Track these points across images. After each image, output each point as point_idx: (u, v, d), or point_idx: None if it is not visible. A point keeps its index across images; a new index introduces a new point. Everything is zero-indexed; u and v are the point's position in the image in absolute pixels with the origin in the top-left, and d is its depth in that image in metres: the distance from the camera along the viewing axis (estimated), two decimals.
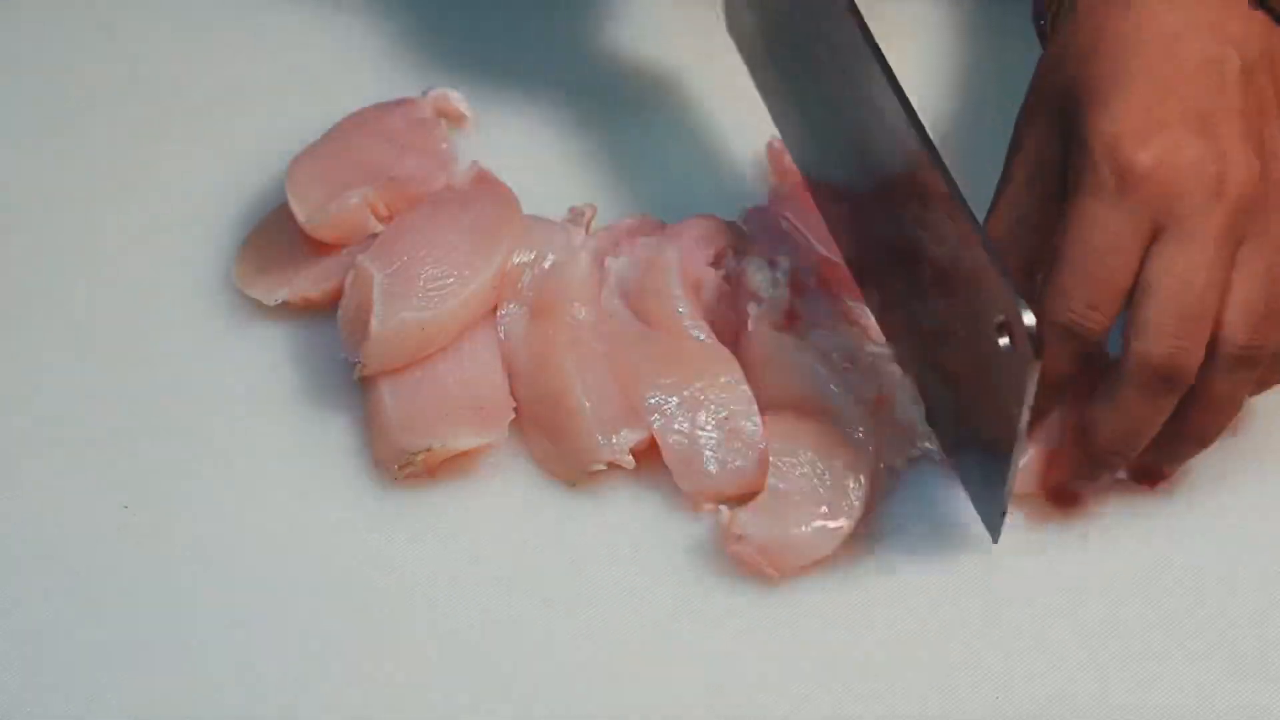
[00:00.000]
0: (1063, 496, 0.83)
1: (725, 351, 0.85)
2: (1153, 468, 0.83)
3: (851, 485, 0.81)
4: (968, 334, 0.77)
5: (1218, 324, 0.77)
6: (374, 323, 0.83)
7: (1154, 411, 0.78)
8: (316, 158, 0.92)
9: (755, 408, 0.83)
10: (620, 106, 1.00)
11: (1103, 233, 0.76)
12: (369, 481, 0.84)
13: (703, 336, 0.86)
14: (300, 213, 0.89)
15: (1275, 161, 0.79)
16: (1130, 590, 0.81)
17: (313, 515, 0.83)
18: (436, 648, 0.79)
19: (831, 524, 0.81)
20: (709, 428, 0.83)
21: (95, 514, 0.83)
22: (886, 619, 0.80)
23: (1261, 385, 0.80)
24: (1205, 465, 0.84)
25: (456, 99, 0.97)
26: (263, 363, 0.88)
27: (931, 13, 1.03)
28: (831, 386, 0.84)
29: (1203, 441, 0.80)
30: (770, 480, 0.81)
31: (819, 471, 0.82)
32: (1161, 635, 0.79)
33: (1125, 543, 0.82)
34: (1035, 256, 0.79)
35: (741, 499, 0.82)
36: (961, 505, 0.83)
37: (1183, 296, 0.76)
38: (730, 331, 0.87)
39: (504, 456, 0.85)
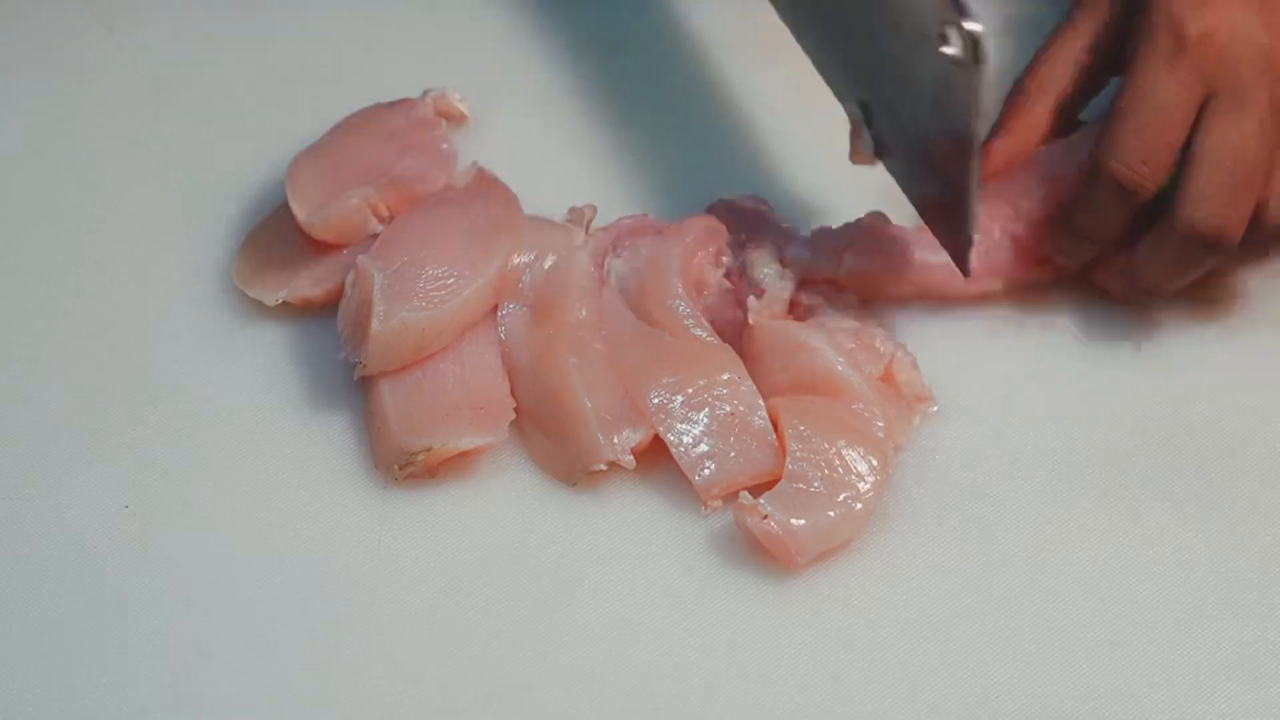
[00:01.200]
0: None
1: (727, 348, 0.85)
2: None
3: (866, 470, 0.82)
4: (912, 61, 0.80)
5: (1261, 199, 0.82)
6: (374, 323, 0.83)
7: (1195, 268, 0.84)
8: (316, 158, 0.92)
9: (760, 401, 0.84)
10: (620, 106, 1.00)
11: (1156, 91, 0.83)
12: (369, 481, 0.84)
13: (704, 334, 0.86)
14: (300, 213, 0.89)
15: None
16: (1137, 583, 0.81)
17: (313, 515, 0.83)
18: (437, 648, 0.79)
19: (852, 509, 0.81)
20: (716, 424, 0.83)
21: (96, 514, 0.83)
22: (892, 610, 0.80)
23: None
24: (1192, 463, 0.84)
25: (456, 99, 0.97)
26: (263, 363, 0.88)
27: None
28: (838, 365, 0.84)
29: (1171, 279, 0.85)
30: (788, 467, 0.82)
31: (835, 457, 0.82)
32: (1173, 625, 0.79)
33: (1131, 537, 0.82)
34: (1077, 99, 0.88)
35: (757, 489, 0.82)
36: (963, 478, 0.83)
37: (1232, 166, 0.82)
38: (733, 328, 0.87)
39: (504, 456, 0.85)
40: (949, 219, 0.85)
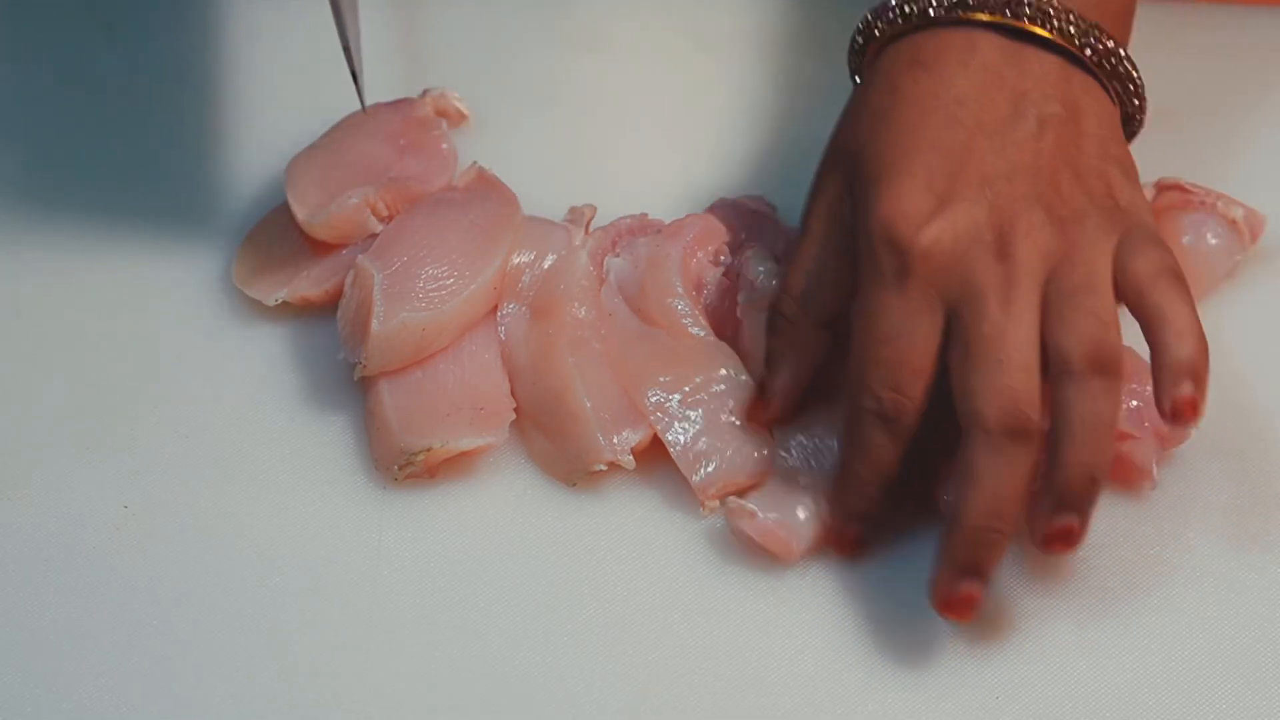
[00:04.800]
0: (953, 604, 0.77)
1: (724, 346, 0.85)
2: (1059, 528, 0.76)
3: None
4: None
5: (1052, 359, 0.75)
6: (374, 323, 0.83)
7: (1011, 470, 0.75)
8: (316, 158, 0.92)
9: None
10: (620, 106, 1.00)
11: (889, 320, 0.77)
12: (369, 481, 0.84)
13: (702, 333, 0.86)
14: (300, 212, 0.89)
15: (1083, 205, 0.78)
16: (1137, 583, 0.81)
17: (312, 515, 0.83)
18: (437, 648, 0.79)
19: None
20: (713, 422, 0.83)
21: (95, 514, 0.83)
22: (893, 609, 0.80)
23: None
24: (1191, 463, 0.84)
25: (456, 99, 0.97)
26: (263, 363, 0.88)
27: None
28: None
29: (1093, 478, 0.75)
30: (777, 459, 0.82)
31: (824, 450, 0.82)
32: (1173, 625, 0.79)
33: (1131, 538, 0.82)
34: (834, 311, 0.81)
35: (748, 491, 0.82)
36: None
37: (996, 347, 0.75)
38: (731, 327, 0.87)
39: (504, 456, 0.85)
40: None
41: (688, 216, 0.90)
